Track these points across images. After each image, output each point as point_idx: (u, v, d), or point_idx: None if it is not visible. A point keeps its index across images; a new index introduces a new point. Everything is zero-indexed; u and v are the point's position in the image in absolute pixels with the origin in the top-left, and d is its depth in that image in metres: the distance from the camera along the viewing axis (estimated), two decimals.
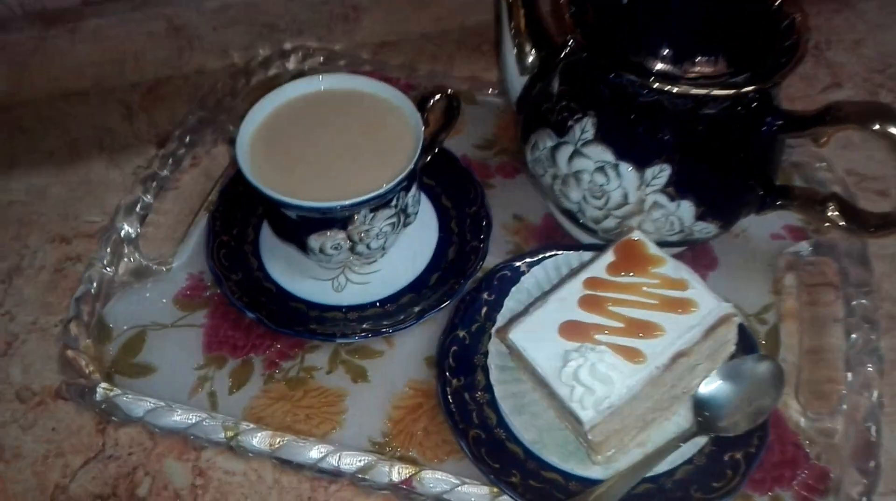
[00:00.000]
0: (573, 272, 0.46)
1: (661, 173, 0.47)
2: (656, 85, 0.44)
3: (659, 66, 0.44)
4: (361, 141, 0.51)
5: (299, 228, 0.49)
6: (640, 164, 0.47)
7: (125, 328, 0.53)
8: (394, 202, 0.49)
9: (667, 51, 0.45)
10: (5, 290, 0.56)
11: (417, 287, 0.54)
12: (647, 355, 0.41)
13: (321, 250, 0.50)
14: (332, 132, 0.51)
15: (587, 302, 0.43)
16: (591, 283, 0.44)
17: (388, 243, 0.52)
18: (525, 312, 0.45)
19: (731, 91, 0.44)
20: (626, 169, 0.47)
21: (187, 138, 0.62)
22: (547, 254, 0.54)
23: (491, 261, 0.55)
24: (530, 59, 0.54)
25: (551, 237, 0.58)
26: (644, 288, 0.43)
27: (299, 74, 0.69)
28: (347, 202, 0.46)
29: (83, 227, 0.59)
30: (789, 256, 0.57)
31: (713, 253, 0.57)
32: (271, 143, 0.50)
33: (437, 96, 0.53)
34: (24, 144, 0.66)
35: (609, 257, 0.45)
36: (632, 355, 0.41)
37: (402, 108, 0.52)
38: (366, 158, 0.50)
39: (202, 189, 0.61)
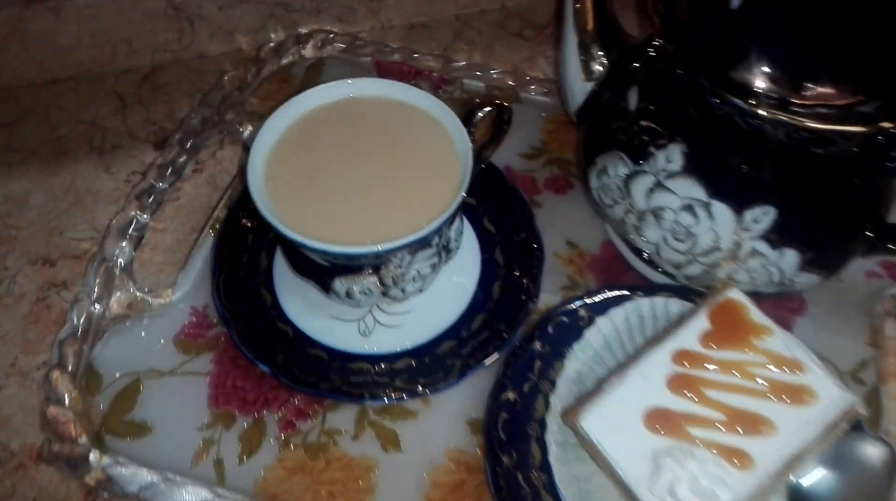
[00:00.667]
0: (657, 339, 0.38)
1: (763, 217, 0.39)
2: (770, 114, 0.35)
3: (768, 86, 0.36)
4: (398, 163, 0.42)
5: (323, 269, 0.41)
6: (739, 205, 0.39)
7: (117, 375, 0.45)
8: (435, 240, 0.41)
9: (780, 69, 0.36)
10: None
11: (457, 332, 0.46)
12: (755, 459, 0.33)
13: (348, 295, 0.42)
14: (362, 152, 0.42)
15: (678, 383, 0.35)
16: (682, 357, 0.36)
17: (425, 284, 0.43)
18: (599, 389, 0.37)
19: (865, 128, 0.35)
20: (721, 210, 0.39)
21: (189, 143, 0.53)
22: (610, 295, 0.46)
23: (542, 299, 0.47)
24: (598, 63, 0.45)
25: (612, 270, 0.50)
26: (748, 368, 0.35)
27: (317, 63, 0.60)
28: (382, 248, 0.38)
29: (69, 246, 0.51)
30: (888, 299, 0.48)
31: (800, 295, 0.49)
32: (290, 165, 0.42)
33: (487, 109, 0.44)
34: (2, 141, 0.57)
35: (702, 322, 0.37)
36: (737, 458, 0.33)
37: (446, 123, 0.43)
38: (404, 185, 0.41)
39: (207, 201, 0.53)
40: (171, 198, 0.53)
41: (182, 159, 0.52)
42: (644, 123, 0.41)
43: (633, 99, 0.42)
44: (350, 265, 0.40)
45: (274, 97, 0.58)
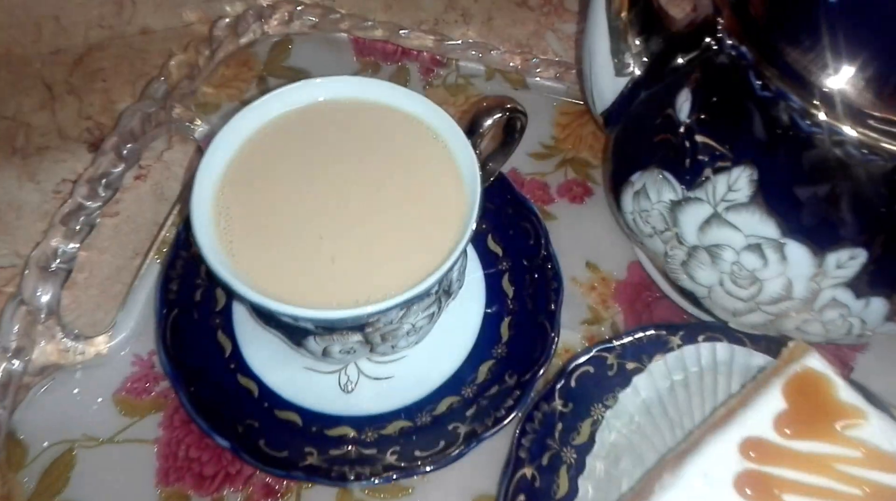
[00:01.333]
0: (720, 422, 0.30)
1: (850, 262, 0.30)
2: (875, 141, 0.27)
3: (874, 105, 0.27)
4: (387, 190, 0.33)
5: (294, 327, 0.33)
6: (821, 246, 0.31)
7: (45, 444, 0.37)
8: (435, 288, 0.33)
9: (889, 83, 0.27)
10: None
11: (460, 385, 0.38)
12: None
13: (325, 354, 0.34)
14: (340, 175, 0.33)
15: (749, 483, 0.28)
16: (753, 448, 0.28)
17: (421, 337, 0.35)
18: (647, 488, 0.29)
19: None
20: (798, 252, 0.31)
21: (126, 149, 0.43)
22: (644, 336, 0.38)
23: (561, 337, 0.39)
24: (634, 55, 0.36)
25: (642, 300, 0.42)
26: (837, 466, 0.28)
27: (284, 41, 0.50)
28: (370, 311, 0.29)
29: None
30: None
31: None
32: (247, 197, 0.33)
33: (497, 115, 0.35)
34: None
35: (775, 400, 0.29)
36: None
37: (447, 135, 0.34)
38: (395, 219, 0.32)
39: (152, 216, 0.44)
40: (108, 213, 0.44)
41: (119, 169, 0.43)
42: (700, 139, 0.32)
43: (684, 106, 0.33)
44: (328, 327, 0.32)
45: (231, 84, 0.48)
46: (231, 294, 0.37)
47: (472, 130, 0.35)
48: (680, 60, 0.35)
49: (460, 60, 0.50)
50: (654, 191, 0.34)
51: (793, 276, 0.31)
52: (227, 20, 0.49)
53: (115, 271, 0.42)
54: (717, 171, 0.31)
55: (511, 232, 0.42)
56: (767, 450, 0.28)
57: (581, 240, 0.44)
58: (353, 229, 0.32)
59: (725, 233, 0.32)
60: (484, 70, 0.49)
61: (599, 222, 0.44)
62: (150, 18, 0.51)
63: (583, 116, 0.48)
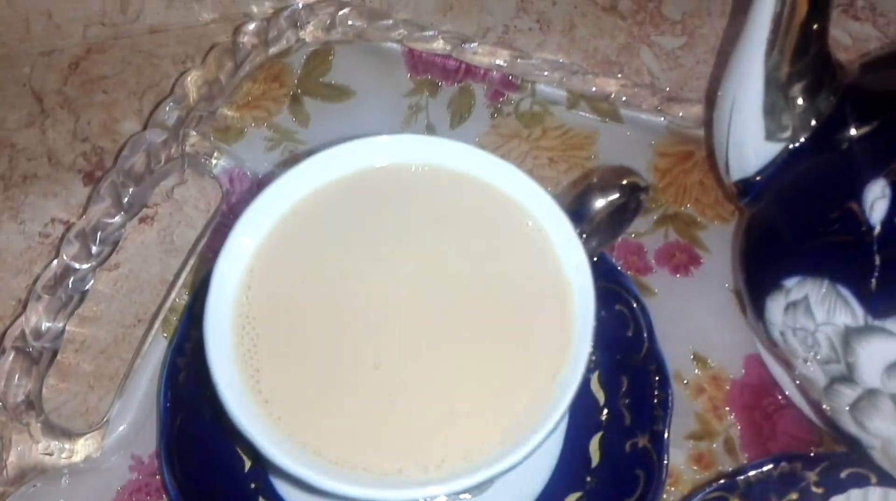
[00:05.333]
0: None
1: None
2: None
3: None
4: (465, 297, 0.25)
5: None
6: None
7: None
8: None
9: None
10: None
11: None
12: None
13: None
14: (403, 275, 0.25)
15: None
16: None
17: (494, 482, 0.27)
18: None
19: None
20: None
21: (127, 193, 0.35)
22: (772, 470, 0.30)
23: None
24: (794, 114, 0.27)
25: (763, 409, 0.34)
26: None
27: (323, 51, 0.41)
28: (442, 490, 0.21)
29: None
30: None
31: None
32: (279, 306, 0.24)
33: (615, 196, 0.26)
34: None
35: None
36: None
37: (547, 222, 0.26)
38: (475, 340, 0.24)
39: (158, 272, 0.36)
40: (104, 266, 0.36)
41: (116, 219, 0.35)
42: None
43: (877, 204, 0.24)
44: None
45: (258, 104, 0.40)
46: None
47: (579, 214, 0.26)
48: (865, 130, 0.26)
49: (536, 83, 0.40)
50: (822, 309, 0.25)
51: None
52: (255, 24, 0.40)
53: (112, 342, 0.35)
54: None
55: (602, 314, 0.34)
56: None
57: (686, 324, 0.35)
58: (418, 356, 0.24)
59: None
60: (566, 96, 0.40)
61: (709, 301, 0.35)
62: (162, 14, 0.42)
63: (686, 160, 0.39)
